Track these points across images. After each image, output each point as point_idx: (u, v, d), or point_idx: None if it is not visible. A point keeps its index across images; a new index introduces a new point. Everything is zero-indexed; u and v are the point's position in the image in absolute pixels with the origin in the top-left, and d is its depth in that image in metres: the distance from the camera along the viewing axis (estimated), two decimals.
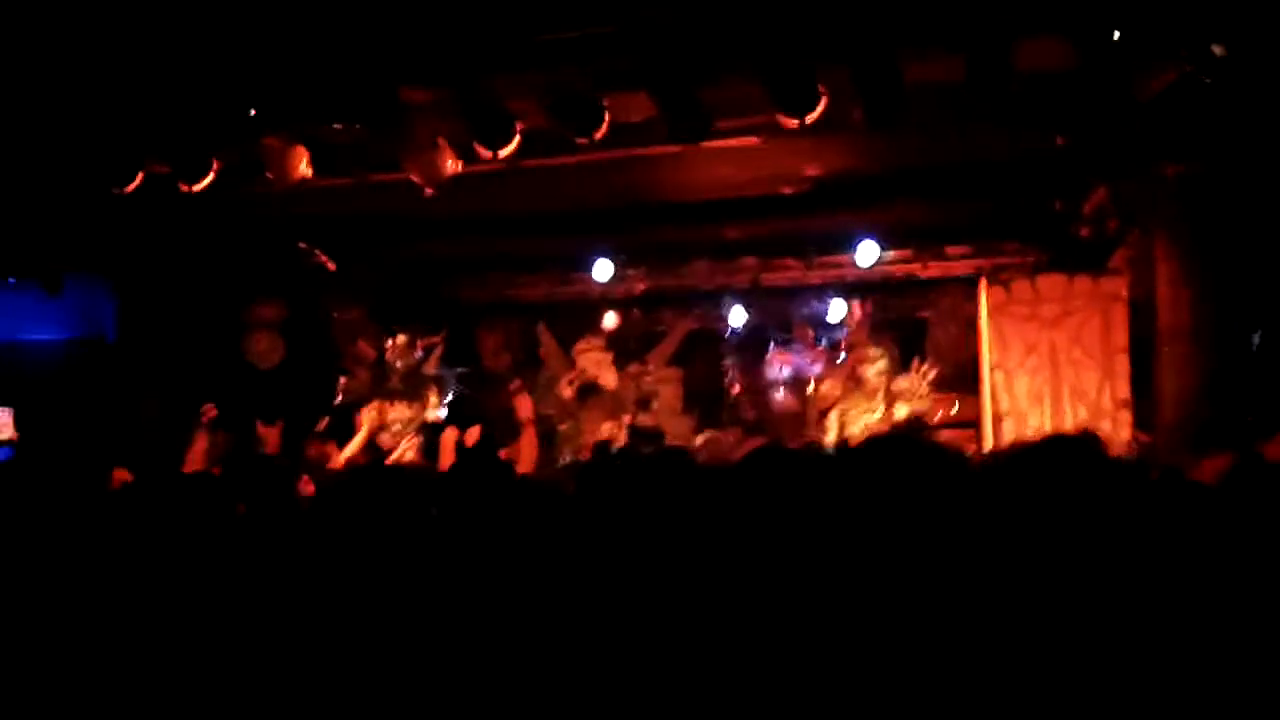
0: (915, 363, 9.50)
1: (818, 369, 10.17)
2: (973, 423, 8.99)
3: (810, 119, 5.63)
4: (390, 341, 10.29)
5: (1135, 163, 7.13)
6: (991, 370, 8.41)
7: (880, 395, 9.37)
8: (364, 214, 8.64)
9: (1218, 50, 4.87)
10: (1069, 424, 7.68)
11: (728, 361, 10.99)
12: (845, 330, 10.17)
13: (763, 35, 5.45)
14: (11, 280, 9.05)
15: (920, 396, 9.34)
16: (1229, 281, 6.94)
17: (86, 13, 5.98)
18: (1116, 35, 4.86)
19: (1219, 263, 6.96)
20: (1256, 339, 7.12)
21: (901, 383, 9.41)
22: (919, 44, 5.32)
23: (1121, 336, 8.05)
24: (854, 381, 9.50)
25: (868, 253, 9.42)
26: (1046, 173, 7.91)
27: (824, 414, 9.63)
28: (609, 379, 10.15)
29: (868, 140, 6.93)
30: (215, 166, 6.91)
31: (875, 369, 9.45)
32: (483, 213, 8.64)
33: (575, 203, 8.55)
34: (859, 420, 9.34)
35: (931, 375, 9.40)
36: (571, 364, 10.37)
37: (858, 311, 10.02)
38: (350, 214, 8.63)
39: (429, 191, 6.77)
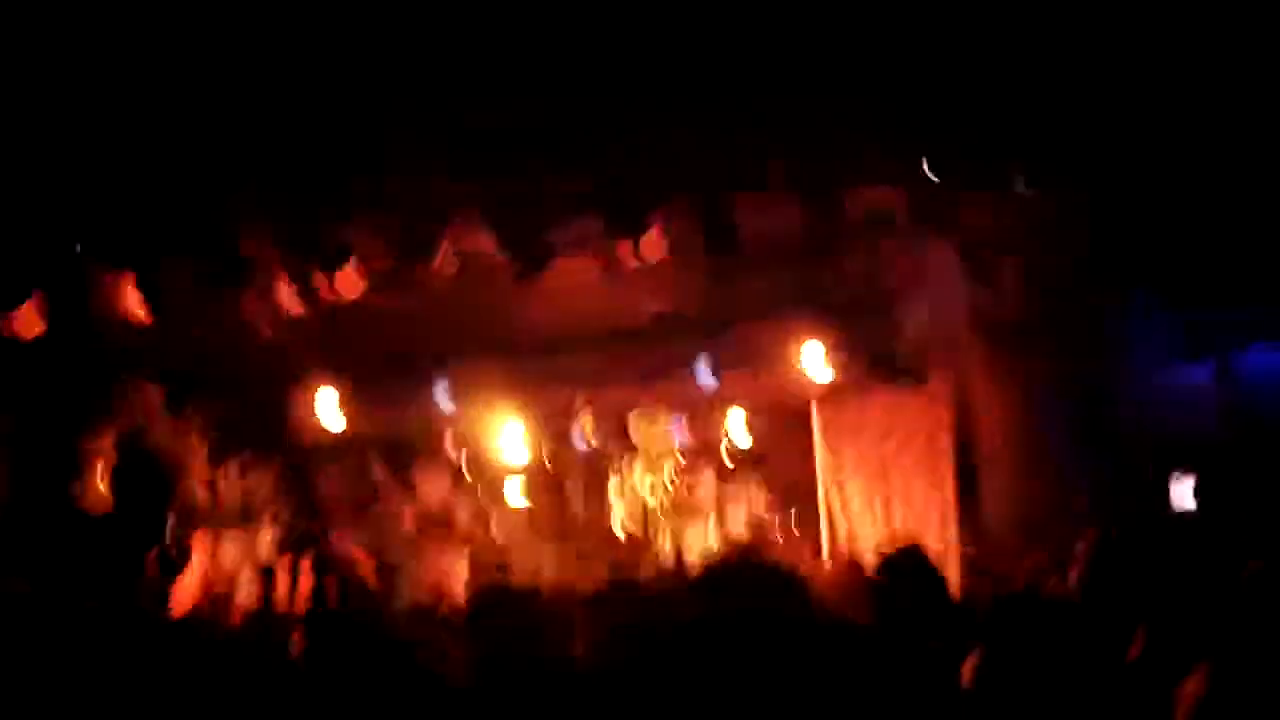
0: (743, 479, 9.73)
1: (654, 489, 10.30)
2: (811, 533, 9.20)
3: (648, 257, 5.85)
4: (223, 473, 10.05)
5: (944, 291, 7.56)
6: (825, 485, 8.70)
7: (709, 512, 9.59)
8: (200, 348, 8.47)
9: (1020, 186, 5.27)
10: (899, 532, 7.95)
11: (569, 484, 11.00)
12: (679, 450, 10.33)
13: (604, 180, 5.66)
14: None
15: (750, 511, 9.56)
16: (1043, 393, 7.36)
17: None
18: (927, 168, 5.22)
19: (1032, 376, 7.38)
20: None
21: (729, 499, 9.65)
22: (753, 194, 5.61)
23: (946, 447, 8.41)
24: (686, 501, 9.70)
25: (705, 375, 9.61)
26: (865, 299, 8.29)
27: (659, 534, 9.77)
28: (452, 509, 10.07)
29: (703, 274, 7.21)
30: (38, 302, 6.70)
31: (704, 487, 9.68)
32: (321, 345, 8.58)
33: (417, 336, 8.56)
34: (693, 538, 9.51)
35: (760, 490, 9.62)
36: (411, 495, 10.24)
37: (688, 432, 10.20)
38: (185, 347, 8.45)
39: (266, 332, 6.73)
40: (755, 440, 10.17)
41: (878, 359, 8.90)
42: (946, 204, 5.59)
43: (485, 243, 6.54)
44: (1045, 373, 7.28)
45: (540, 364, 9.41)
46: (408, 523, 9.98)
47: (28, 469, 9.23)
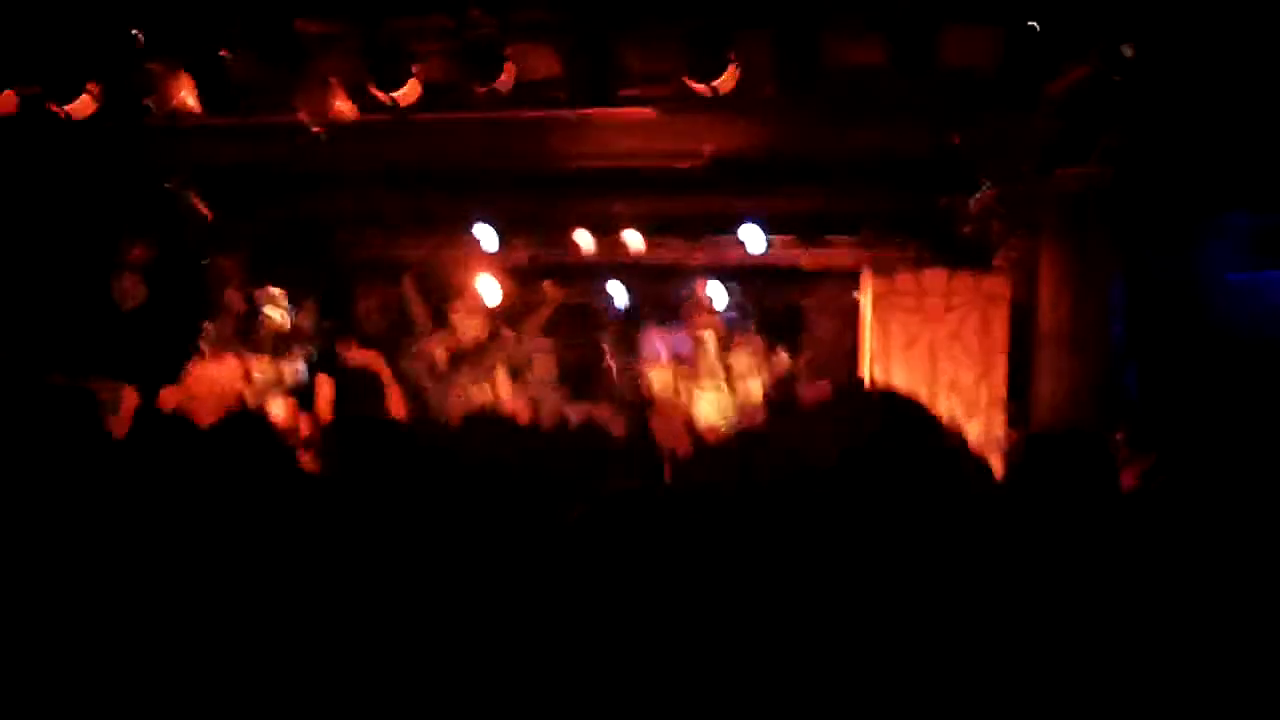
0: (747, 340, 9.53)
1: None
2: None
3: (719, 86, 5.54)
4: (261, 294, 9.93)
5: (1029, 165, 7.21)
6: (870, 361, 8.47)
7: (720, 374, 9.44)
8: (246, 159, 8.28)
9: (1127, 51, 4.93)
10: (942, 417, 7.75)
11: (603, 337, 10.84)
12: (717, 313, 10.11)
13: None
14: None
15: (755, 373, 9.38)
16: (1111, 288, 7.07)
17: None
18: (1034, 25, 4.89)
19: (1103, 269, 7.08)
20: None
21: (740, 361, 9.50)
22: (843, 17, 5.29)
23: (1001, 336, 8.16)
24: (715, 366, 9.55)
25: (755, 237, 9.34)
26: (936, 169, 7.96)
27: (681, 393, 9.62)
28: (482, 343, 9.93)
29: (763, 123, 6.92)
30: (94, 91, 6.54)
31: (737, 354, 9.52)
32: (369, 167, 8.37)
33: (464, 163, 8.33)
34: (707, 399, 9.37)
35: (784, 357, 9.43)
36: (443, 325, 10.10)
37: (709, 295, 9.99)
38: (232, 158, 8.27)
39: (317, 130, 6.51)
40: (798, 308, 9.91)
41: (936, 237, 8.59)
42: (1046, 64, 5.23)
43: (548, 64, 6.25)
44: (1117, 265, 6.96)
45: (589, 207, 9.16)
46: (439, 353, 9.85)
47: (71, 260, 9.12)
